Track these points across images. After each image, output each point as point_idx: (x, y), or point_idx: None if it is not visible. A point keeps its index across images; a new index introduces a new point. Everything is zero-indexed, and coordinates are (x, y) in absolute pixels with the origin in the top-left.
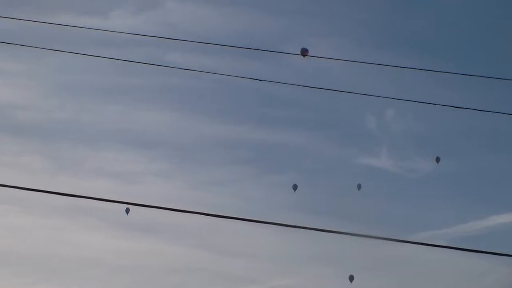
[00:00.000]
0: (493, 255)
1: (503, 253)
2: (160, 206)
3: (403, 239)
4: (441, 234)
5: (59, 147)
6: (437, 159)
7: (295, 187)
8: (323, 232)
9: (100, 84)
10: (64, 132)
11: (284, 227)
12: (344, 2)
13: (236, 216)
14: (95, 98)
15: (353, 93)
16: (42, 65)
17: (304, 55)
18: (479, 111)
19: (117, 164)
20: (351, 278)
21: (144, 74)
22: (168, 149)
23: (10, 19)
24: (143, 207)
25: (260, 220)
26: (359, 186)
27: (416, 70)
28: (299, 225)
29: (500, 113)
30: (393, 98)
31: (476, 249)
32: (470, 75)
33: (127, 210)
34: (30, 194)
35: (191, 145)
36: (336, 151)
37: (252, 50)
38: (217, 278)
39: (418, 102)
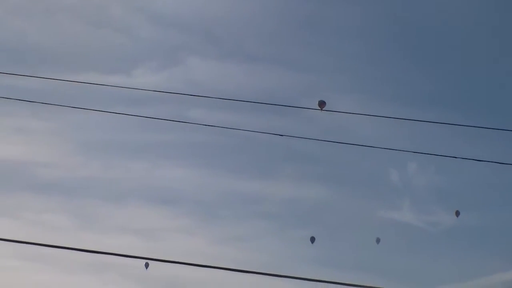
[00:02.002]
0: None
1: None
2: (183, 261)
3: None
4: (465, 287)
5: (83, 204)
6: (457, 213)
7: (312, 239)
8: (347, 286)
9: (124, 141)
10: (88, 189)
11: (308, 281)
12: (365, 59)
13: (258, 271)
14: (119, 155)
15: (375, 147)
16: (65, 123)
17: (321, 108)
18: (501, 164)
19: (141, 220)
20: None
21: (167, 131)
22: (191, 204)
23: (36, 77)
24: (166, 263)
25: (283, 274)
26: (377, 240)
27: (437, 124)
28: (322, 279)
29: None
30: (414, 152)
31: None
32: (491, 128)
33: (147, 265)
34: (54, 251)
35: (214, 200)
36: (358, 205)
37: (274, 105)
38: None
39: (440, 155)
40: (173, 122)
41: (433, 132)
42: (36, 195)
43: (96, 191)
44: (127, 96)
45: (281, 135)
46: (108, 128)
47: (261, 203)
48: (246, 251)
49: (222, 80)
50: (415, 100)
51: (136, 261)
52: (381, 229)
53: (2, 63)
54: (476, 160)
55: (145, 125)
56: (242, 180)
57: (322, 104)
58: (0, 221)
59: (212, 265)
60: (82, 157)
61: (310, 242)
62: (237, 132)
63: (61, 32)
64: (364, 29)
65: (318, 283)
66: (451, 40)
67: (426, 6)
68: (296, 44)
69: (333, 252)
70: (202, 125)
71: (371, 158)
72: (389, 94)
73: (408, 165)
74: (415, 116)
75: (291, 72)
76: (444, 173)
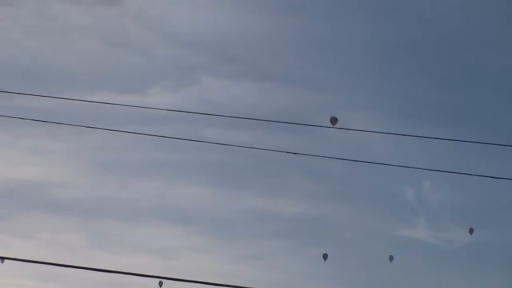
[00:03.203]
0: None
1: None
2: (197, 280)
3: None
4: None
5: (99, 224)
6: (471, 230)
7: (325, 256)
8: None
9: (139, 161)
10: (104, 209)
11: None
12: (380, 75)
13: None
14: (134, 175)
15: (390, 165)
16: (81, 143)
17: (333, 124)
18: None
19: (156, 239)
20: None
21: (182, 150)
22: (205, 223)
23: (51, 97)
24: (181, 282)
25: None
26: (391, 258)
27: (452, 140)
28: None
29: None
30: (429, 169)
31: None
32: (505, 145)
33: (161, 283)
34: (70, 270)
35: (228, 219)
36: (373, 222)
37: (287, 124)
38: None
39: (455, 172)
40: (188, 141)
41: (448, 149)
42: (52, 215)
43: (112, 210)
44: (142, 116)
45: (295, 153)
46: (123, 148)
47: (275, 221)
48: (260, 269)
49: (237, 99)
50: (430, 116)
51: (151, 280)
52: (396, 247)
53: (17, 83)
54: (491, 177)
55: (160, 145)
56: (256, 198)
57: (334, 120)
58: (16, 241)
59: (226, 283)
60: (98, 177)
61: (323, 260)
62: (251, 151)
63: (76, 51)
64: (377, 46)
65: None
66: (466, 53)
67: (439, 19)
68: (310, 63)
69: (347, 270)
70: (216, 144)
71: (386, 175)
72: (404, 110)
73: (423, 183)
74: (430, 133)
75: (306, 90)
76: (459, 190)
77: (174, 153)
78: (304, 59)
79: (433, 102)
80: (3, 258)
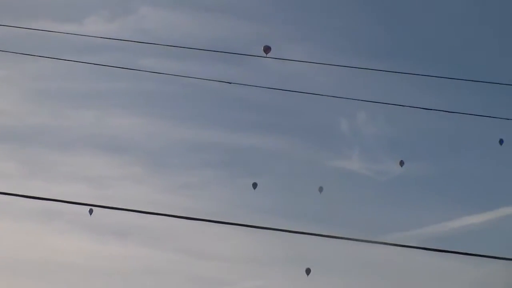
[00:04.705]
0: (464, 256)
1: (474, 253)
2: (132, 209)
3: (375, 240)
4: (412, 235)
5: (33, 152)
6: (401, 163)
7: (254, 185)
8: (294, 234)
9: (75, 90)
10: (38, 137)
11: (255, 229)
12: (315, 9)
13: (207, 219)
14: (70, 104)
15: (325, 95)
16: (16, 71)
17: (266, 53)
18: (449, 113)
19: (90, 168)
20: (308, 271)
21: (118, 80)
22: (140, 153)
23: None
24: (115, 210)
25: (230, 222)
26: (320, 189)
27: (386, 72)
28: (271, 227)
29: (469, 114)
30: (363, 101)
31: (448, 250)
32: (438, 77)
33: (91, 211)
34: (3, 198)
35: (164, 149)
36: (307, 154)
37: (224, 54)
38: (190, 280)
39: (389, 104)
40: (124, 70)
41: (383, 81)
42: None
43: (46, 139)
44: (78, 44)
45: (229, 83)
46: (58, 76)
47: (209, 151)
48: (194, 199)
49: (173, 28)
50: (366, 50)
51: (84, 208)
52: (330, 178)
53: None
54: (424, 108)
55: (96, 74)
56: (191, 128)
57: (267, 49)
58: None
59: (157, 212)
60: (33, 105)
61: (253, 188)
62: (186, 80)
63: None
64: None
65: (262, 229)
66: None
67: None
68: None
69: (281, 200)
70: (152, 73)
71: (321, 107)
72: (339, 43)
73: (357, 115)
74: (365, 65)
75: (243, 21)
76: (394, 123)
77: (109, 82)
78: None
79: (368, 35)
80: None
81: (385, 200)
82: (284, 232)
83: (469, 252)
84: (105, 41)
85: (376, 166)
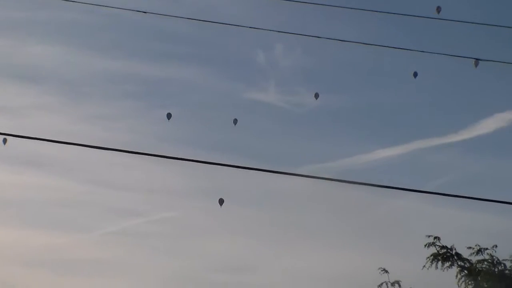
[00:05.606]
0: (378, 188)
1: (388, 185)
2: (47, 138)
3: (289, 172)
4: (327, 168)
5: None
6: (316, 95)
7: (169, 115)
8: (208, 165)
9: None
10: None
11: (169, 159)
12: None
13: (120, 149)
14: None
15: (241, 26)
16: None
17: None
18: (366, 45)
19: (4, 98)
20: (221, 201)
21: (34, 8)
22: (57, 83)
23: None
24: (30, 140)
25: (143, 152)
26: (235, 121)
27: (303, 3)
28: (185, 157)
29: (384, 46)
30: (280, 32)
31: (362, 182)
32: (356, 8)
33: (4, 141)
34: None
35: (79, 79)
36: (224, 86)
37: None
38: (104, 211)
39: (305, 35)
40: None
41: (300, 13)
42: None
43: None
44: None
45: (144, 12)
46: None
47: (126, 82)
48: (110, 129)
49: None
50: None
51: None
52: (245, 110)
53: None
54: (340, 40)
55: (13, 2)
56: (108, 59)
57: None
58: None
59: (73, 141)
60: None
61: (167, 119)
62: (103, 10)
63: None
64: None
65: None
66: None
67: None
68: None
69: (195, 131)
70: (69, 2)
71: (237, 38)
72: None
73: (275, 46)
74: None
75: None
76: (311, 54)
77: (27, 12)
78: None
79: None
80: None
81: (301, 133)
82: (198, 163)
83: (384, 185)
84: None
85: (292, 98)
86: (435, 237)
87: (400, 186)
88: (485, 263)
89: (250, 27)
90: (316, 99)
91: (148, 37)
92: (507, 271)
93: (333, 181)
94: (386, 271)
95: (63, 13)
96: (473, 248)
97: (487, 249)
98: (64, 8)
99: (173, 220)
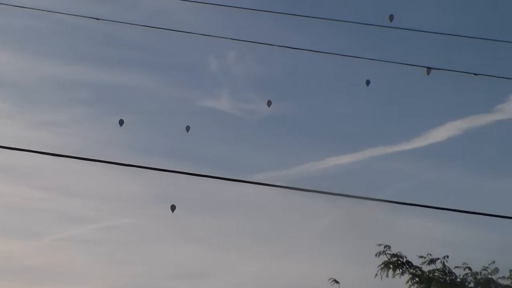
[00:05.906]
0: (330, 195)
1: (340, 193)
2: None
3: (242, 179)
4: (279, 175)
5: None
6: (269, 103)
7: (121, 122)
8: (161, 172)
9: None
10: None
11: (121, 166)
12: None
13: (72, 155)
14: None
15: (194, 33)
16: None
17: None
18: (318, 53)
19: None
20: (173, 207)
21: None
22: (8, 89)
23: None
24: None
25: (95, 159)
26: (187, 128)
27: (257, 11)
28: (137, 164)
29: (337, 54)
30: (233, 39)
31: (315, 189)
32: (309, 16)
33: None
34: None
35: (32, 86)
36: (177, 92)
37: None
38: (55, 218)
39: (258, 43)
40: None
41: (252, 20)
42: None
43: None
44: None
45: (97, 19)
46: None
47: (78, 88)
48: (61, 136)
49: None
50: None
51: None
52: (198, 117)
53: None
54: (292, 48)
55: None
56: (59, 65)
57: None
58: None
59: (25, 148)
60: None
61: (119, 125)
62: (55, 16)
63: None
64: None
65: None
66: None
67: None
68: None
69: (148, 138)
70: (22, 8)
71: (190, 45)
72: None
73: (227, 54)
74: (232, 3)
75: None
76: (263, 62)
77: None
78: None
79: None
80: None
81: (254, 140)
82: (151, 170)
83: (335, 192)
84: None
85: (245, 106)
86: (385, 246)
87: (352, 194)
88: (437, 272)
89: (203, 34)
90: (269, 106)
91: (101, 43)
92: (458, 280)
93: (286, 189)
94: (337, 282)
95: (14, 19)
96: (425, 258)
97: (438, 259)
98: (15, 14)
99: (126, 227)
